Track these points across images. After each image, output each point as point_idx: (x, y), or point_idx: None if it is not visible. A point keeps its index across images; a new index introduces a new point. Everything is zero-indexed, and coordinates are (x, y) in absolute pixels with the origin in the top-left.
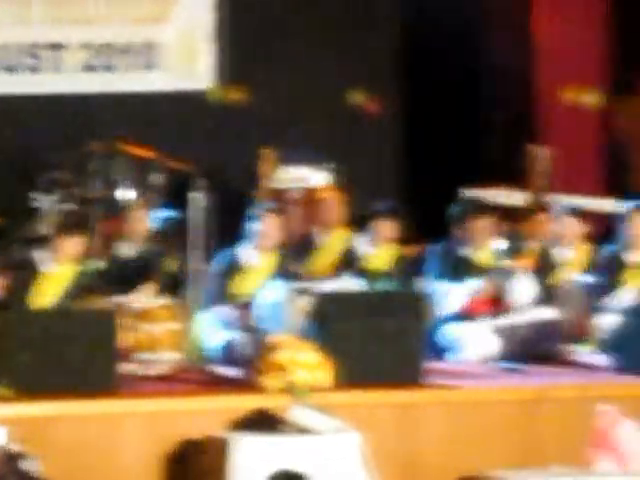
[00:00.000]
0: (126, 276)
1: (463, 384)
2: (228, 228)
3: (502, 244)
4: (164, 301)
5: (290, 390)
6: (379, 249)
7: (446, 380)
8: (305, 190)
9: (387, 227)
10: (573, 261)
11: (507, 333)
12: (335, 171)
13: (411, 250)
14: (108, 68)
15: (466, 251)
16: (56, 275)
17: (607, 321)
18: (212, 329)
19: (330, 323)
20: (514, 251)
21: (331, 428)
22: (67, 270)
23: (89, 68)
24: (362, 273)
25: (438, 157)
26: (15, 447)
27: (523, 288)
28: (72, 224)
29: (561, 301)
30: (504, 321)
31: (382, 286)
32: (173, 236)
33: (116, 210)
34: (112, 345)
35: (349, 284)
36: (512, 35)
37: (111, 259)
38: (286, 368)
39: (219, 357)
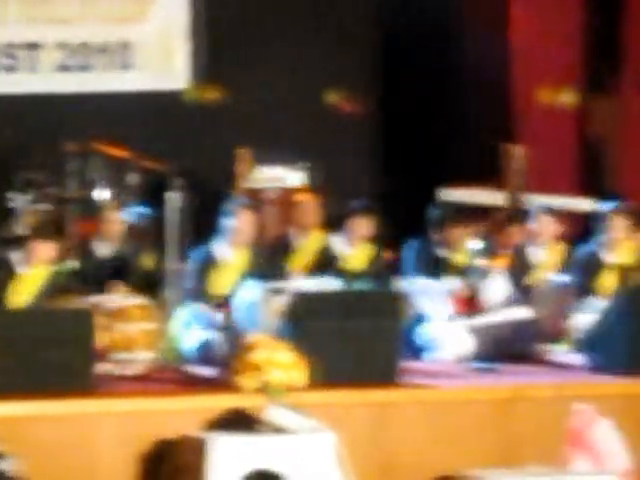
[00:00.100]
0: (102, 275)
1: (439, 384)
2: (204, 228)
3: (477, 244)
4: (139, 301)
5: (266, 390)
6: (355, 249)
7: (422, 380)
8: (281, 190)
9: (363, 225)
10: (548, 261)
11: (482, 333)
12: (311, 171)
13: (387, 252)
14: (84, 68)
15: (442, 252)
16: (31, 276)
17: (583, 321)
18: (188, 328)
19: (305, 323)
20: (489, 251)
21: (307, 428)
22: (41, 271)
23: (65, 68)
24: (339, 273)
25: (415, 157)
26: None
27: (498, 287)
28: (46, 229)
29: (536, 301)
30: (479, 321)
31: (359, 286)
32: (148, 233)
33: (92, 210)
34: (89, 345)
35: (325, 284)
36: (488, 35)
37: (86, 259)
38: (262, 368)
39: (195, 357)
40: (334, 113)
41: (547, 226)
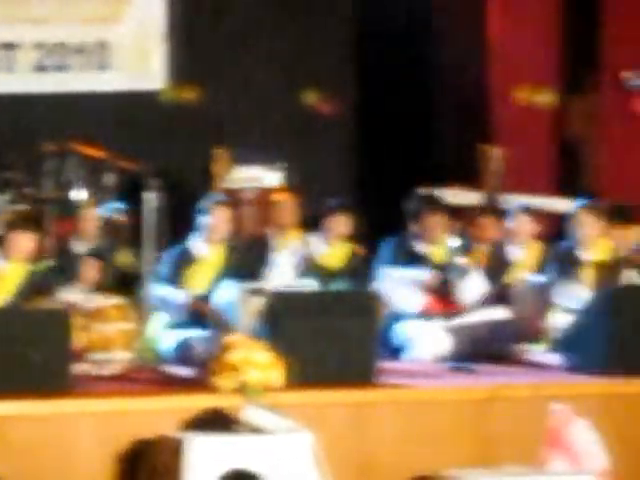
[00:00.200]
0: (76, 273)
1: (416, 384)
2: (181, 228)
3: (455, 242)
4: (117, 301)
5: (243, 390)
6: (333, 248)
7: (399, 380)
8: (259, 190)
9: (340, 223)
10: (525, 260)
11: (460, 332)
12: (288, 171)
13: (364, 250)
14: (61, 68)
15: (420, 246)
16: (8, 273)
17: (560, 320)
18: (165, 328)
19: (282, 323)
20: (466, 249)
21: (284, 428)
22: (19, 268)
23: (42, 68)
24: (316, 272)
25: (392, 157)
26: None
27: (475, 286)
28: (24, 221)
29: (514, 300)
30: (457, 320)
31: (336, 285)
32: (124, 229)
33: (70, 210)
34: (66, 345)
35: (303, 284)
36: (465, 35)
37: (64, 257)
38: (239, 368)
39: (172, 357)
40: (311, 113)
41: (525, 225)
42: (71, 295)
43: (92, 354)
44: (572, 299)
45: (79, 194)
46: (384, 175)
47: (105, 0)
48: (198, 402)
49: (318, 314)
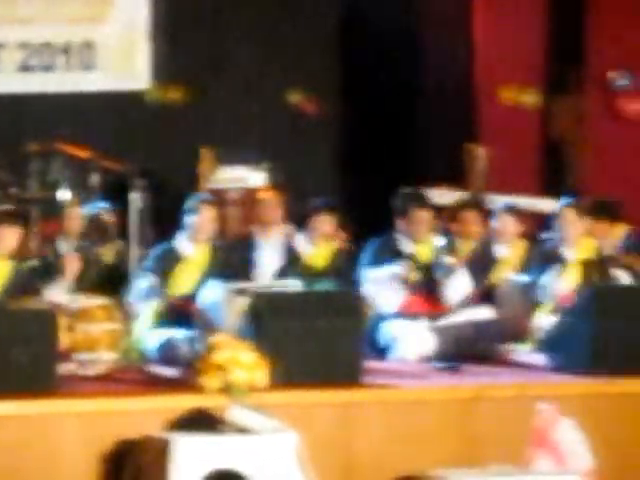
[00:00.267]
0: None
1: (401, 384)
2: (167, 227)
3: (440, 241)
4: (102, 301)
5: (228, 390)
6: (318, 247)
7: (384, 379)
8: (244, 190)
9: (324, 222)
10: (510, 259)
11: (444, 332)
12: (273, 171)
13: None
14: (46, 68)
15: (406, 245)
16: None
17: (545, 320)
18: (150, 328)
19: (267, 323)
20: (451, 248)
21: (269, 428)
22: (3, 266)
23: (27, 68)
24: (301, 272)
25: (377, 157)
26: None
27: (460, 285)
28: (9, 216)
29: (499, 300)
30: (442, 320)
31: (321, 285)
32: (109, 228)
33: (55, 210)
34: (52, 345)
35: (288, 283)
36: (451, 35)
37: (48, 257)
38: (224, 368)
39: (157, 356)
40: (296, 113)
41: (508, 226)
42: (56, 295)
43: (77, 354)
44: (556, 298)
45: (64, 194)
46: (369, 175)
47: (90, 0)
48: (183, 402)
49: (303, 314)
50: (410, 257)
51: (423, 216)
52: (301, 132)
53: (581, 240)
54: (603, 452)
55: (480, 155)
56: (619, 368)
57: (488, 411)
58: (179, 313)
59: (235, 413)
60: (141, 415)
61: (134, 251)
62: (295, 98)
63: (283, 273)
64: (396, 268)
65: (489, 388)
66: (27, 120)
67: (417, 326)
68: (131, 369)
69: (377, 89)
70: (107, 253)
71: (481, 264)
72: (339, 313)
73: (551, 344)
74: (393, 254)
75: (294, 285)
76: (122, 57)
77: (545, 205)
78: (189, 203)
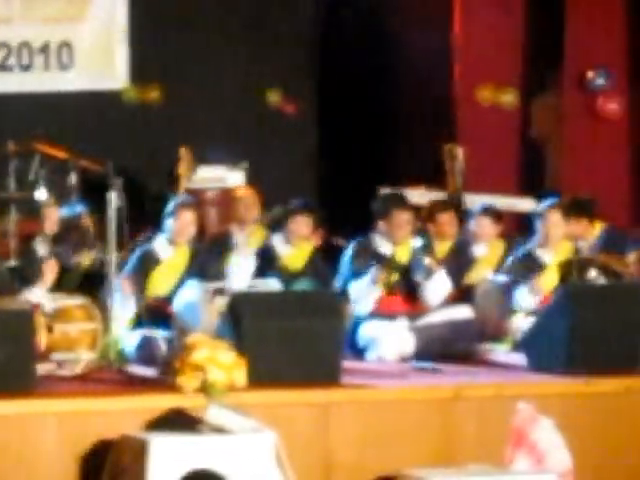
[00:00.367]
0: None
1: (380, 384)
2: (145, 227)
3: (418, 242)
4: (80, 301)
5: (206, 390)
6: (295, 248)
7: (363, 380)
8: (222, 190)
9: (302, 223)
10: (488, 260)
11: (423, 332)
12: (251, 170)
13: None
14: (24, 68)
15: (384, 247)
16: None
17: (523, 320)
18: (128, 328)
19: (245, 323)
20: (429, 249)
21: (247, 428)
22: None
23: (5, 68)
24: (279, 272)
25: (356, 157)
26: None
27: (440, 287)
28: None
29: (477, 299)
30: (420, 320)
31: (298, 285)
32: (86, 230)
33: (35, 210)
34: (30, 345)
35: (266, 284)
36: (430, 34)
37: (28, 258)
38: (202, 368)
39: (136, 356)
40: (273, 113)
41: (486, 228)
42: (33, 296)
43: (55, 354)
44: (534, 299)
45: (43, 194)
46: (348, 175)
47: (68, 0)
48: (161, 402)
49: (281, 314)
50: (389, 258)
51: (404, 218)
52: (279, 132)
53: (560, 242)
54: (581, 451)
55: (458, 155)
56: (596, 368)
57: (467, 411)
58: (157, 314)
59: (213, 413)
60: (119, 415)
61: (112, 253)
62: (273, 98)
63: (261, 273)
64: (373, 273)
65: (468, 388)
66: (5, 120)
67: (396, 326)
68: (109, 369)
69: (355, 89)
70: (85, 258)
71: (458, 264)
72: (318, 313)
73: (528, 344)
74: (372, 256)
75: (273, 285)
76: (100, 57)
77: (523, 205)
78: (169, 206)
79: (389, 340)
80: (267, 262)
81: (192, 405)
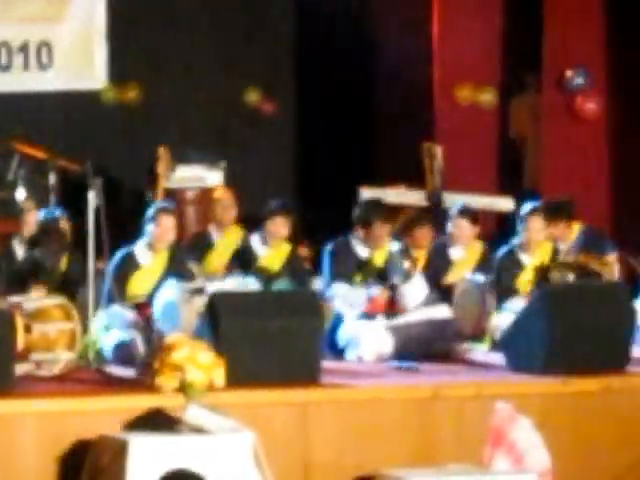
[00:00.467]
0: (18, 276)
1: (359, 383)
2: (123, 227)
3: (394, 245)
4: (59, 301)
5: (185, 390)
6: (273, 249)
7: (342, 379)
8: (200, 189)
9: (280, 224)
10: (466, 260)
11: (402, 332)
12: (229, 170)
13: (305, 250)
14: (3, 68)
15: (362, 250)
16: None
17: (502, 320)
18: (107, 329)
19: (223, 322)
20: (407, 252)
21: (226, 428)
22: None
23: None
24: (257, 272)
25: (334, 156)
26: None
27: (417, 290)
28: None
29: (455, 299)
30: (399, 319)
31: (277, 286)
32: (64, 233)
33: (14, 210)
34: (10, 345)
35: (244, 283)
36: (409, 34)
37: (6, 259)
38: (181, 368)
39: (114, 357)
40: (252, 112)
41: (463, 229)
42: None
43: (34, 354)
44: (514, 300)
45: (23, 194)
46: (327, 174)
47: (47, 0)
48: (140, 402)
49: (260, 314)
50: (366, 262)
51: (384, 229)
52: (257, 131)
53: (540, 244)
54: (560, 451)
55: (437, 154)
56: (574, 367)
57: (446, 410)
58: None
59: (192, 413)
60: (98, 415)
61: (90, 254)
62: (252, 97)
63: (239, 272)
64: (369, 290)
65: (447, 387)
66: None
67: (375, 326)
68: (88, 369)
69: (334, 88)
70: (63, 261)
71: (437, 265)
72: (297, 313)
73: (507, 344)
74: (351, 259)
75: (251, 285)
76: (79, 57)
77: (502, 204)
78: (149, 212)
79: (368, 340)
80: (245, 262)
81: (171, 405)
